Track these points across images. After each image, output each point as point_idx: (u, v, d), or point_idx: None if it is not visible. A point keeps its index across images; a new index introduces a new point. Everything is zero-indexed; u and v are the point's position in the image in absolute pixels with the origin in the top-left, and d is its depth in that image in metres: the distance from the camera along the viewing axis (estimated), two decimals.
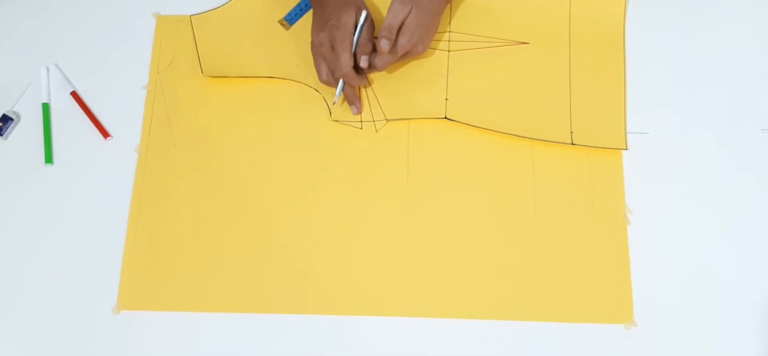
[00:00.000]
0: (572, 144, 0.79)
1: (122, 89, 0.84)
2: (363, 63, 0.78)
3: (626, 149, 0.78)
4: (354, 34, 0.77)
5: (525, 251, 0.76)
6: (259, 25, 0.86)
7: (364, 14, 0.77)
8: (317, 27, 0.79)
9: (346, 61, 0.76)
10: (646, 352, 0.72)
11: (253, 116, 0.82)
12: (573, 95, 0.81)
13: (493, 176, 0.79)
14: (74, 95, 0.83)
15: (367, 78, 0.81)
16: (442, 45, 0.84)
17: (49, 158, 0.81)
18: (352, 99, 0.80)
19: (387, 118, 0.81)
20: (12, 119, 0.82)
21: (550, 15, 0.84)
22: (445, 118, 0.80)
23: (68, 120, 0.83)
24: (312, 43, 0.79)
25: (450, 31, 0.84)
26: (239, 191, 0.79)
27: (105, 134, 0.82)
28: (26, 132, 0.82)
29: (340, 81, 0.78)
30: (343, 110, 0.81)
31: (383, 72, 0.82)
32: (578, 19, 0.84)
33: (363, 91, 0.82)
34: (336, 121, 0.81)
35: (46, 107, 0.83)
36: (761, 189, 0.77)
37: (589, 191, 0.78)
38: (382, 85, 0.82)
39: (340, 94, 0.79)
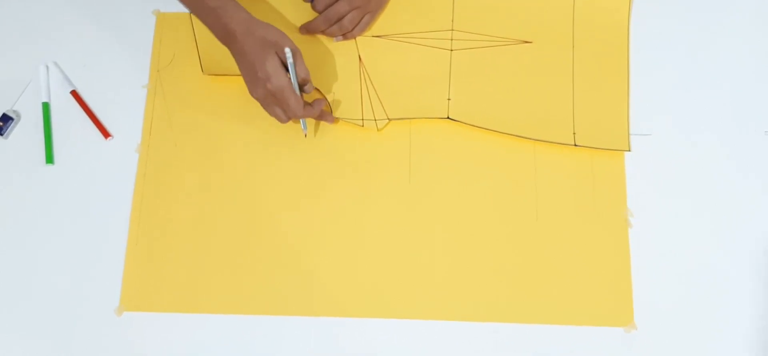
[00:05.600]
0: (575, 145, 0.78)
1: (122, 88, 0.83)
2: (337, 39, 0.82)
3: (629, 151, 0.78)
4: (289, 76, 0.73)
5: (526, 253, 0.76)
6: None
7: (288, 52, 0.72)
8: (251, 83, 0.74)
9: (296, 104, 0.74)
10: (646, 355, 0.72)
11: (254, 114, 0.81)
12: (576, 96, 0.81)
13: (495, 177, 0.79)
14: (74, 93, 0.83)
15: (319, 106, 0.78)
16: (445, 44, 0.83)
17: (49, 158, 0.80)
18: (323, 117, 0.79)
19: (389, 117, 0.80)
20: (12, 119, 0.82)
21: (553, 14, 0.83)
22: (448, 118, 0.80)
23: (68, 119, 0.82)
24: (252, 91, 0.75)
25: (453, 30, 0.83)
26: (240, 191, 0.79)
27: (105, 133, 0.81)
28: (26, 131, 0.82)
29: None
30: (345, 108, 0.81)
31: (384, 71, 0.82)
32: (582, 19, 0.83)
33: (365, 89, 0.82)
34: (338, 119, 0.81)
35: (46, 107, 0.82)
36: (763, 192, 0.77)
37: (591, 193, 0.78)
38: (384, 84, 0.82)
39: (306, 126, 0.79)
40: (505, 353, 0.73)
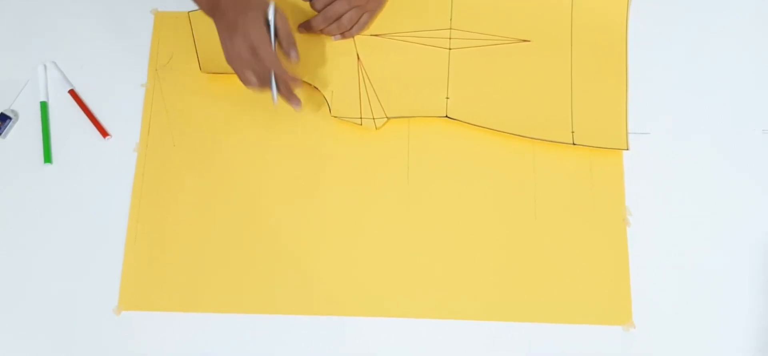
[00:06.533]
0: (573, 144, 0.78)
1: (120, 87, 0.83)
2: (335, 38, 0.82)
3: (627, 150, 0.78)
4: (269, 32, 0.73)
5: (525, 252, 0.76)
6: None
7: (272, 7, 0.73)
8: (228, 36, 0.73)
9: (273, 56, 0.73)
10: (645, 354, 0.72)
11: (252, 113, 0.82)
12: (574, 95, 0.81)
13: (493, 175, 0.79)
14: (72, 93, 0.83)
15: (297, 81, 0.76)
16: (443, 43, 0.83)
17: (47, 158, 0.80)
18: (289, 97, 0.77)
19: (387, 115, 0.80)
20: (10, 118, 0.81)
21: (552, 13, 0.83)
22: (446, 116, 0.80)
23: (67, 119, 0.82)
24: (228, 54, 0.74)
25: (451, 29, 0.83)
26: (239, 190, 0.79)
27: (104, 133, 0.81)
28: (24, 131, 0.82)
29: (273, 81, 0.75)
30: (344, 107, 0.81)
31: (382, 69, 0.82)
32: (580, 18, 0.83)
33: (363, 87, 0.82)
34: (336, 117, 0.81)
35: (44, 106, 0.82)
36: (762, 190, 0.77)
37: (590, 192, 0.78)
38: (382, 83, 0.82)
39: (276, 93, 0.76)
40: (503, 352, 0.73)
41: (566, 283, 0.75)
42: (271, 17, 0.73)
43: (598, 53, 0.82)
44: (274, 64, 0.73)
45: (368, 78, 0.82)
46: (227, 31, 0.73)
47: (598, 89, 0.81)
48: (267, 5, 0.73)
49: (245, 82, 0.75)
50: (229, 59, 0.74)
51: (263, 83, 0.75)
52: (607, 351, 0.72)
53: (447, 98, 0.81)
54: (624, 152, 0.78)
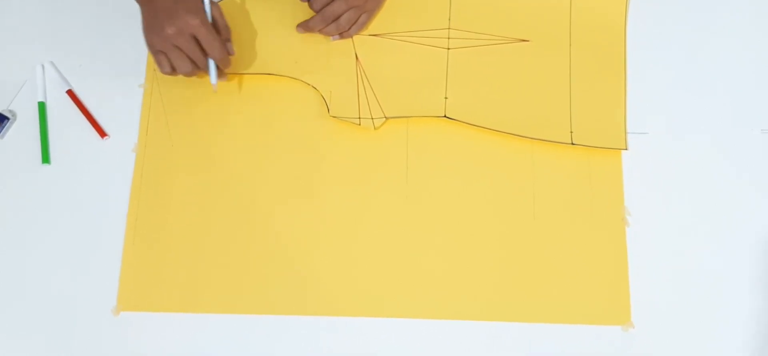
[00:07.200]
0: (572, 144, 0.78)
1: (119, 87, 0.83)
2: (334, 38, 0.82)
3: (626, 149, 0.78)
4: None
5: (523, 252, 0.76)
6: (255, 22, 0.85)
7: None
8: (165, 19, 0.73)
9: (219, 44, 0.75)
10: (644, 354, 0.72)
11: (250, 113, 0.82)
12: (573, 95, 0.80)
13: (492, 175, 0.78)
14: (70, 93, 0.83)
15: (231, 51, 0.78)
16: (442, 43, 0.83)
17: (45, 158, 0.80)
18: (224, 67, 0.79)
19: (386, 115, 0.80)
20: (8, 118, 0.81)
21: (550, 13, 0.83)
22: (445, 116, 0.80)
23: (65, 119, 0.82)
24: (157, 37, 0.74)
25: (449, 29, 0.83)
26: (238, 190, 0.79)
27: (102, 133, 0.81)
28: (22, 131, 0.82)
29: (212, 67, 0.77)
30: (342, 107, 0.81)
31: (381, 69, 0.82)
32: (579, 18, 0.83)
33: (361, 87, 0.82)
34: (334, 117, 0.81)
35: (42, 106, 0.82)
36: (761, 190, 0.77)
37: (588, 192, 0.77)
38: (381, 83, 0.82)
39: (215, 79, 0.78)
40: (502, 352, 0.73)
41: (565, 283, 0.75)
42: (207, 7, 0.75)
43: (596, 53, 0.82)
44: (219, 51, 0.75)
45: (367, 78, 0.82)
46: (165, 14, 0.73)
47: (596, 89, 0.81)
48: None
49: (173, 68, 0.76)
50: (158, 42, 0.74)
51: (194, 70, 0.76)
52: (606, 352, 0.72)
53: (445, 97, 0.81)
54: (623, 152, 0.78)
